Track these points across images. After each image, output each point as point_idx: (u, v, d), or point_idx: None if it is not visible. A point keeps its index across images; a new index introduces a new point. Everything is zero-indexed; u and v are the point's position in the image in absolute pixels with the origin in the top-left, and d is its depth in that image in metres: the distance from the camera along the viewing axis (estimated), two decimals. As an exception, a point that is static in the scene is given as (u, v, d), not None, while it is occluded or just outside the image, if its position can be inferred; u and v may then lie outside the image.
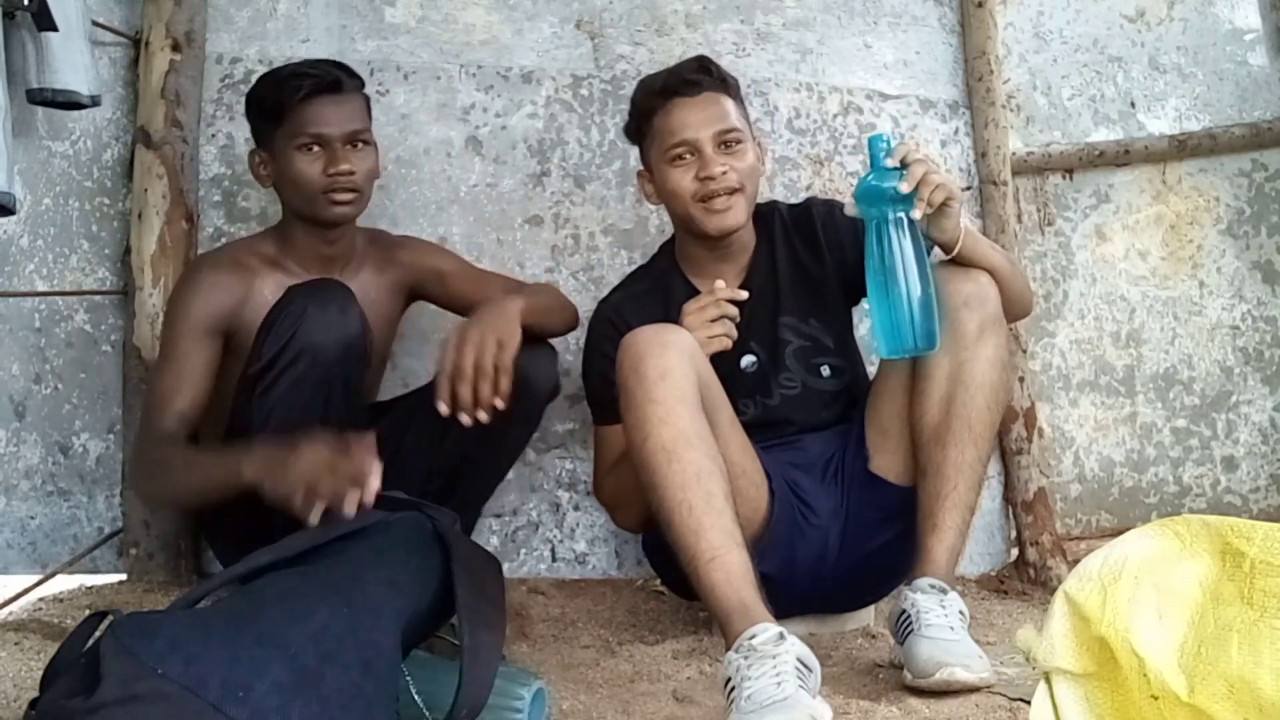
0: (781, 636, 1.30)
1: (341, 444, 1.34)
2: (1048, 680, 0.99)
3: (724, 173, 1.70)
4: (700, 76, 1.75)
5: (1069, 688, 0.99)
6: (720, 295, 1.65)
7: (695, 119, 1.72)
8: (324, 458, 1.31)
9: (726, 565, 1.38)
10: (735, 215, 1.73)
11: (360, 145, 1.72)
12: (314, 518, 1.27)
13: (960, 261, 1.64)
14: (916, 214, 1.51)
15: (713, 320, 1.63)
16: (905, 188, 1.50)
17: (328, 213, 1.71)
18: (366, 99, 1.78)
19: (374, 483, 1.29)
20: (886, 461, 1.73)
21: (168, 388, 1.62)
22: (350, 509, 1.26)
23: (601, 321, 1.82)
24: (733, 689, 1.27)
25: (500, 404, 1.56)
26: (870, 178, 1.54)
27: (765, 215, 1.85)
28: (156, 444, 1.58)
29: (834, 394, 1.82)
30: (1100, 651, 0.99)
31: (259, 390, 1.54)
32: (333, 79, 1.70)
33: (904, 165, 1.52)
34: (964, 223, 1.62)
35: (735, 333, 1.66)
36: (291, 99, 1.68)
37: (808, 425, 1.80)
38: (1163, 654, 0.97)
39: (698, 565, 1.40)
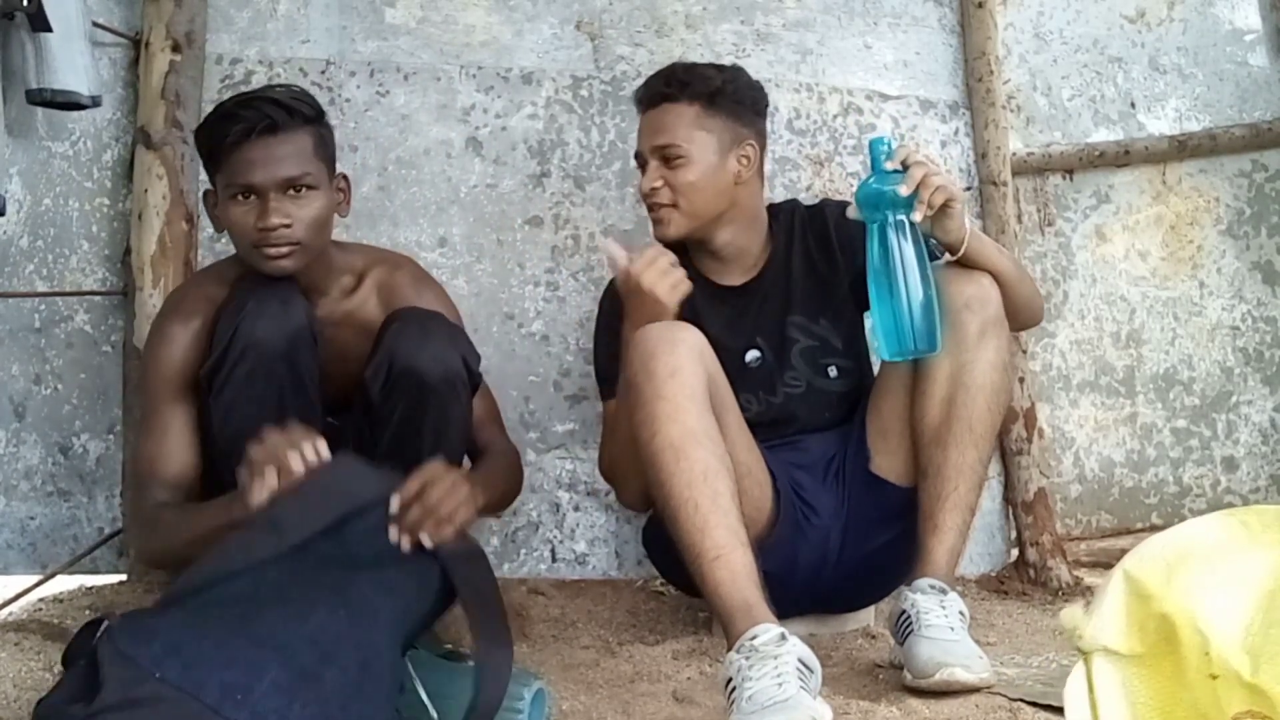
0: (783, 637, 1.30)
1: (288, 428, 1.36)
2: (1086, 662, 0.99)
3: (653, 189, 1.73)
4: (659, 88, 1.76)
5: (1109, 671, 0.98)
6: (666, 254, 1.64)
7: (644, 131, 1.77)
8: (272, 438, 1.34)
9: (731, 564, 1.39)
10: (669, 228, 1.74)
11: (302, 191, 1.54)
12: (268, 481, 1.28)
13: (966, 263, 1.63)
14: (917, 216, 1.51)
15: (664, 273, 1.61)
16: (905, 190, 1.51)
17: (263, 267, 1.55)
18: (319, 132, 1.59)
19: (321, 445, 1.31)
20: (887, 462, 1.73)
21: (154, 456, 1.56)
22: (297, 465, 1.28)
23: (614, 299, 1.79)
24: (734, 689, 1.28)
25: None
26: (871, 181, 1.55)
27: (783, 213, 1.85)
28: (152, 513, 1.54)
29: (840, 395, 1.81)
30: (1154, 631, 0.98)
31: (214, 391, 1.53)
32: (267, 120, 1.51)
33: (904, 168, 1.52)
34: (970, 225, 1.62)
35: (686, 278, 1.64)
36: (222, 144, 1.52)
37: (810, 425, 1.80)
38: (1227, 633, 0.96)
39: (702, 563, 1.41)
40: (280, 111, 1.53)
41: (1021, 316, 1.73)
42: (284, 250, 1.54)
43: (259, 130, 1.51)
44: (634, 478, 1.63)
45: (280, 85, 1.63)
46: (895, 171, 1.53)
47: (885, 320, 1.53)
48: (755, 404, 1.77)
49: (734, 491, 1.46)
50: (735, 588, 1.38)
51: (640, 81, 1.89)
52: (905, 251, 1.52)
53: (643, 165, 1.77)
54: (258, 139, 1.51)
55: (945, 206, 1.54)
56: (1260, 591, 0.99)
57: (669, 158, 1.73)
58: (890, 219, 1.52)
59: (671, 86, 1.75)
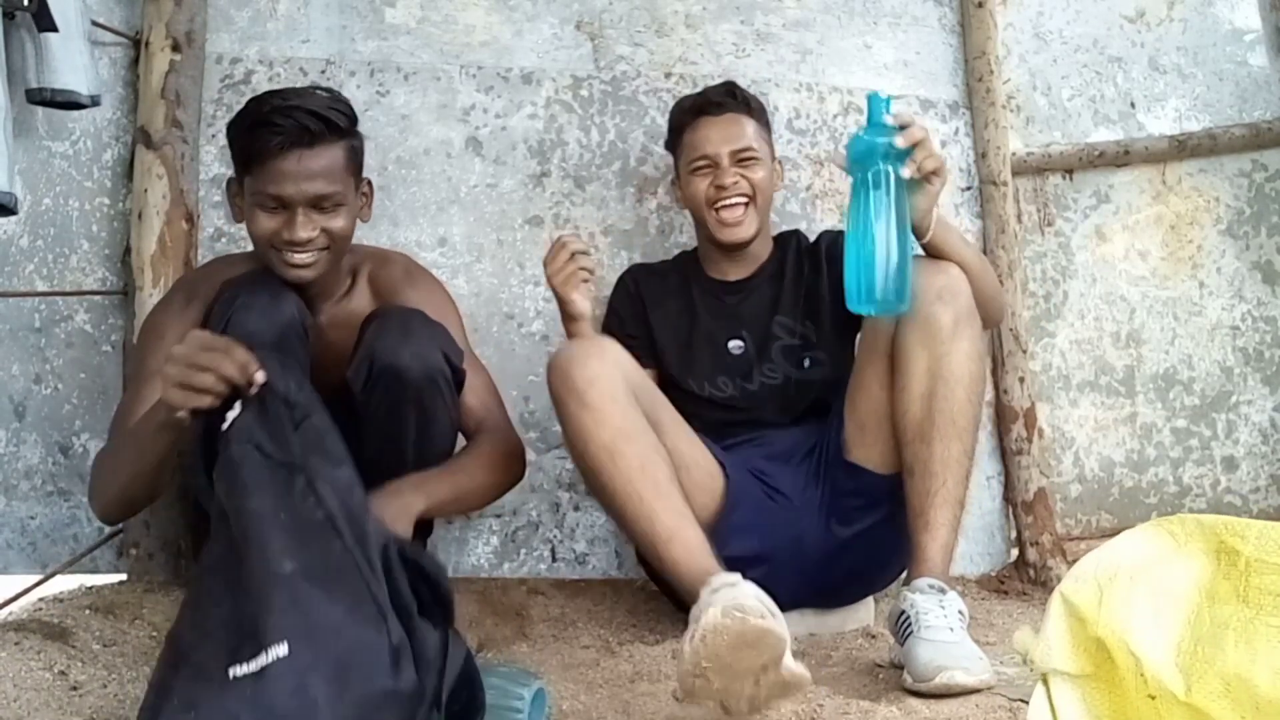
0: (736, 583, 1.32)
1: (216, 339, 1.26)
2: (1045, 681, 0.99)
3: (735, 182, 1.87)
4: (725, 99, 1.92)
5: (1067, 689, 0.99)
6: (570, 244, 1.73)
7: (716, 136, 1.89)
8: (200, 342, 1.24)
9: (684, 541, 1.49)
10: (746, 228, 1.89)
11: (330, 207, 1.57)
12: (193, 402, 1.21)
13: (931, 251, 1.67)
14: (906, 173, 1.53)
15: (565, 262, 1.72)
16: (901, 142, 1.53)
17: (283, 274, 1.58)
18: (351, 145, 1.60)
19: (256, 371, 1.20)
20: (864, 454, 1.76)
21: (128, 408, 1.52)
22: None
23: (619, 284, 2.03)
24: (697, 618, 1.27)
25: None
26: (865, 133, 1.55)
27: (784, 238, 2.01)
28: (103, 455, 1.49)
29: (814, 384, 1.88)
30: (1097, 652, 0.99)
31: None
32: (305, 132, 1.52)
33: (902, 127, 1.54)
34: (937, 212, 1.66)
35: (593, 271, 1.77)
36: (259, 150, 1.53)
37: (782, 419, 1.88)
38: (1159, 653, 0.97)
39: (657, 546, 1.51)
40: (318, 123, 1.53)
41: (985, 310, 1.73)
42: (307, 259, 1.58)
43: (294, 143, 1.52)
44: None
45: (321, 90, 1.62)
46: (892, 127, 1.54)
47: (860, 271, 1.50)
48: (730, 387, 1.90)
49: (673, 477, 1.55)
50: (692, 560, 1.47)
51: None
52: (889, 204, 1.51)
53: (708, 168, 1.88)
54: (292, 151, 1.52)
55: (928, 180, 1.57)
56: (1188, 606, 0.99)
57: (745, 159, 1.88)
58: (880, 168, 1.51)
59: (736, 99, 1.92)
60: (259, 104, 1.57)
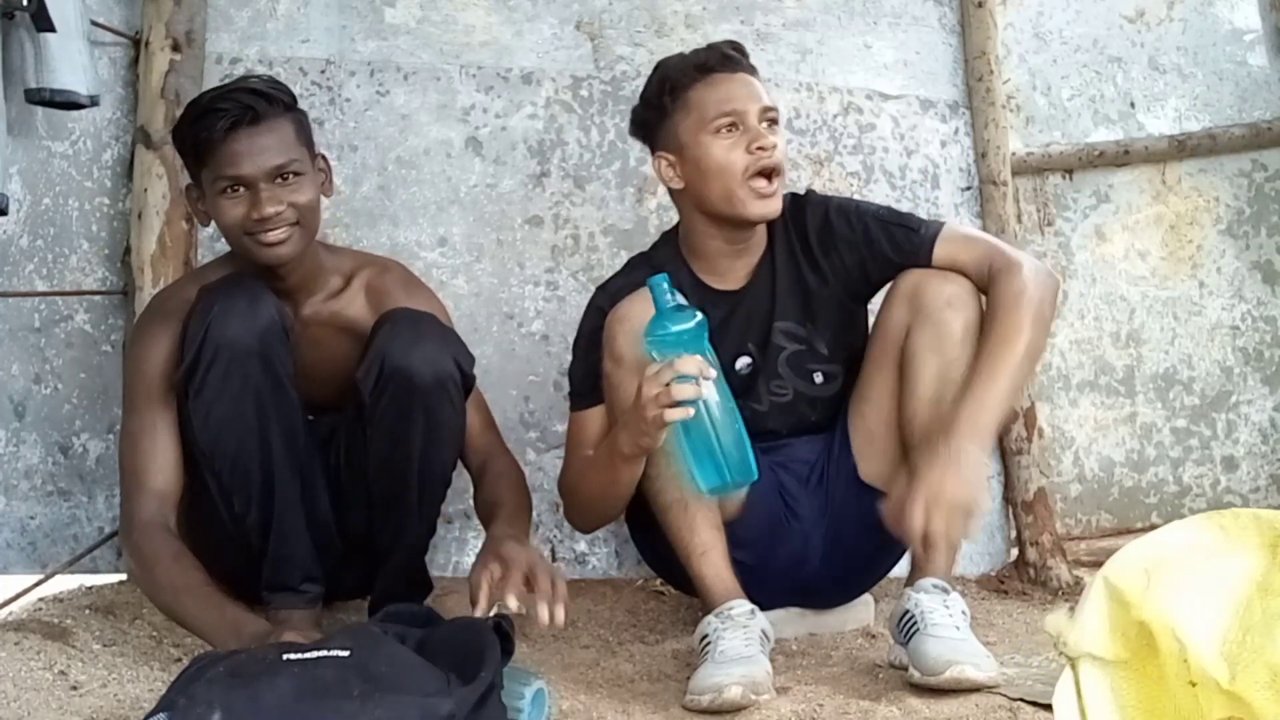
0: (753, 613, 1.53)
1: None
2: (1074, 668, 0.99)
3: (775, 144, 1.64)
4: (737, 56, 1.70)
5: (1096, 676, 0.99)
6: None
7: (741, 92, 1.66)
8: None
9: (713, 559, 1.60)
10: (778, 202, 1.67)
11: (290, 178, 1.56)
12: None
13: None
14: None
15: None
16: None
17: (260, 255, 1.57)
18: (297, 118, 1.61)
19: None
20: (874, 468, 1.73)
21: (139, 464, 1.56)
22: None
23: (595, 311, 1.72)
24: (708, 643, 1.49)
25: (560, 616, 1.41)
26: (657, 326, 1.42)
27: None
28: (142, 533, 1.53)
29: (825, 400, 1.79)
30: (1136, 638, 0.99)
31: (190, 395, 1.53)
32: (249, 110, 1.52)
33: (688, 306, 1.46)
34: (957, 451, 1.47)
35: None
36: (208, 137, 1.52)
37: (796, 430, 1.80)
38: (1205, 641, 0.97)
39: (691, 556, 1.60)
40: (260, 100, 1.55)
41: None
42: (281, 235, 1.57)
43: (242, 122, 1.53)
44: (595, 499, 1.67)
45: (254, 76, 1.64)
46: (680, 309, 1.42)
47: (699, 455, 1.42)
48: (743, 411, 1.67)
49: None
50: (718, 577, 1.59)
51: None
52: (706, 386, 1.40)
53: (735, 129, 1.64)
54: (242, 130, 1.53)
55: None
56: (1237, 597, 0.99)
57: (772, 121, 1.67)
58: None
59: (746, 59, 1.72)
60: (197, 101, 1.59)
